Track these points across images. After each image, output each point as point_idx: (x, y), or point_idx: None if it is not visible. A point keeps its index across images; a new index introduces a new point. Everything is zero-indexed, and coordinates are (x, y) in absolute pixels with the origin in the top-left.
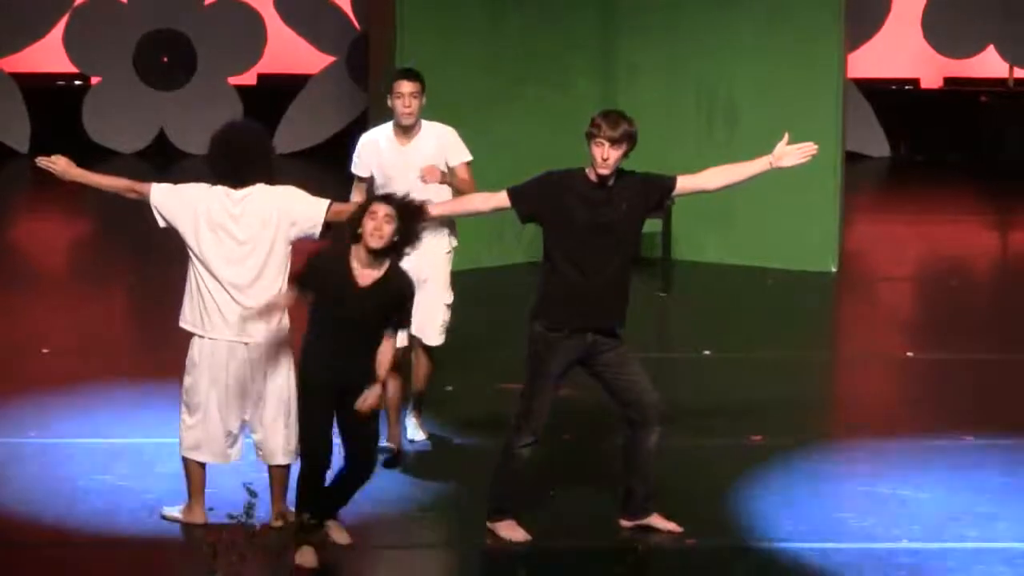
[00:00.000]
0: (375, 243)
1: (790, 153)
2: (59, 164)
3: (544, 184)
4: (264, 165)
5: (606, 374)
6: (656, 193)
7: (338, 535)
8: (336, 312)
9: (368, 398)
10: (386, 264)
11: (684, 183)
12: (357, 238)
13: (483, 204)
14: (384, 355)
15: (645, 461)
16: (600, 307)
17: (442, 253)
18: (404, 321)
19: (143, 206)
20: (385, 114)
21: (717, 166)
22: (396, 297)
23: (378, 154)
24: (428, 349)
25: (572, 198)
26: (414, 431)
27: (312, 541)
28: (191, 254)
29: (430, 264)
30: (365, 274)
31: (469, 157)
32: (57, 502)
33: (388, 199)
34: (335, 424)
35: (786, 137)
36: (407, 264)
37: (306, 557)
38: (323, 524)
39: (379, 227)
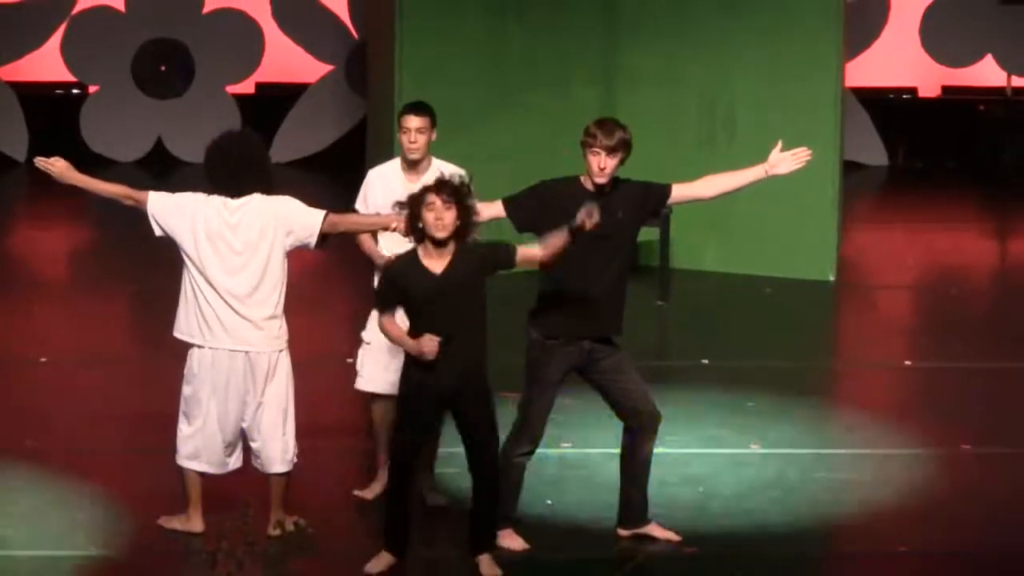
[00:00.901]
0: (440, 233)
1: (784, 160)
2: (57, 166)
3: (539, 194)
4: (261, 174)
5: (603, 382)
6: (651, 201)
7: (487, 567)
8: (425, 310)
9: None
10: (452, 247)
11: (679, 191)
12: (421, 235)
13: (480, 214)
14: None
15: (642, 469)
16: (597, 315)
17: None
18: (507, 254)
19: (142, 214)
20: (381, 121)
21: (713, 174)
22: (478, 262)
23: (388, 191)
24: None
25: (568, 207)
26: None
27: (303, 548)
28: (188, 264)
29: None
30: (437, 263)
31: None
32: (55, 511)
33: (440, 187)
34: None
35: (779, 144)
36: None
37: (378, 563)
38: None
39: (440, 216)
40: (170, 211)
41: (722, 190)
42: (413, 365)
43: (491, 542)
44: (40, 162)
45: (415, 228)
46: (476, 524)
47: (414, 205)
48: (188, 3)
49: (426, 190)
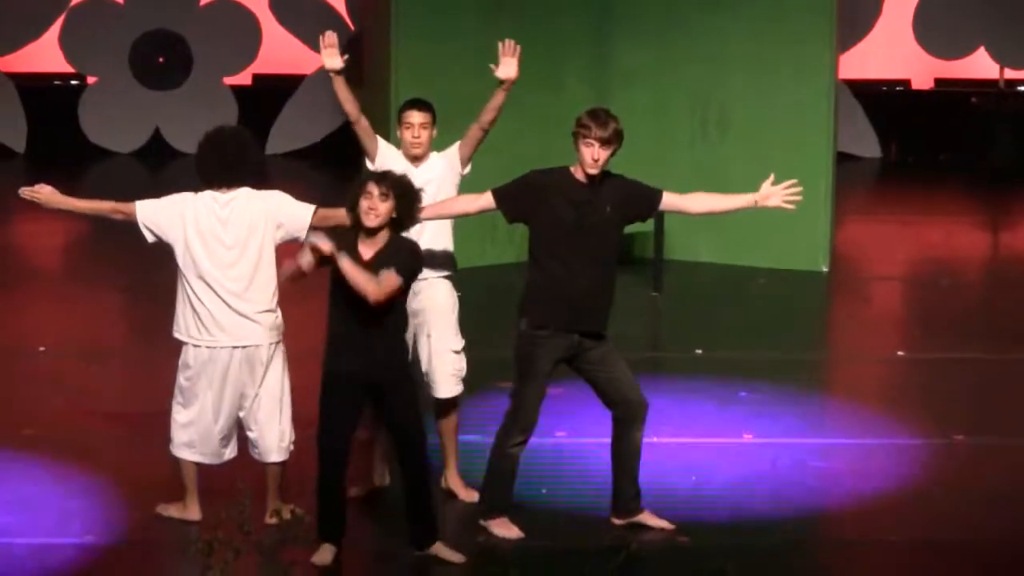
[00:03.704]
0: (370, 222)
1: (775, 193)
2: (43, 193)
3: (529, 184)
4: (251, 167)
5: (591, 372)
6: (642, 205)
7: (446, 553)
8: (348, 290)
9: (320, 242)
10: (386, 236)
11: (669, 200)
12: (357, 218)
13: (469, 206)
14: (382, 277)
15: (632, 458)
16: (584, 306)
17: (443, 297)
18: (400, 265)
19: (134, 222)
20: (376, 113)
21: (705, 193)
22: (401, 259)
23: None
24: (447, 403)
25: (557, 198)
26: (464, 494)
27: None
28: (181, 265)
29: (432, 311)
30: (367, 249)
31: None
32: (52, 499)
33: (382, 178)
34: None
35: (771, 177)
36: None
37: (323, 555)
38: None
39: (374, 206)
40: (160, 216)
41: (709, 209)
42: (334, 355)
43: (433, 534)
44: (25, 192)
45: (353, 212)
46: (414, 518)
47: (356, 190)
48: None
49: (368, 178)
